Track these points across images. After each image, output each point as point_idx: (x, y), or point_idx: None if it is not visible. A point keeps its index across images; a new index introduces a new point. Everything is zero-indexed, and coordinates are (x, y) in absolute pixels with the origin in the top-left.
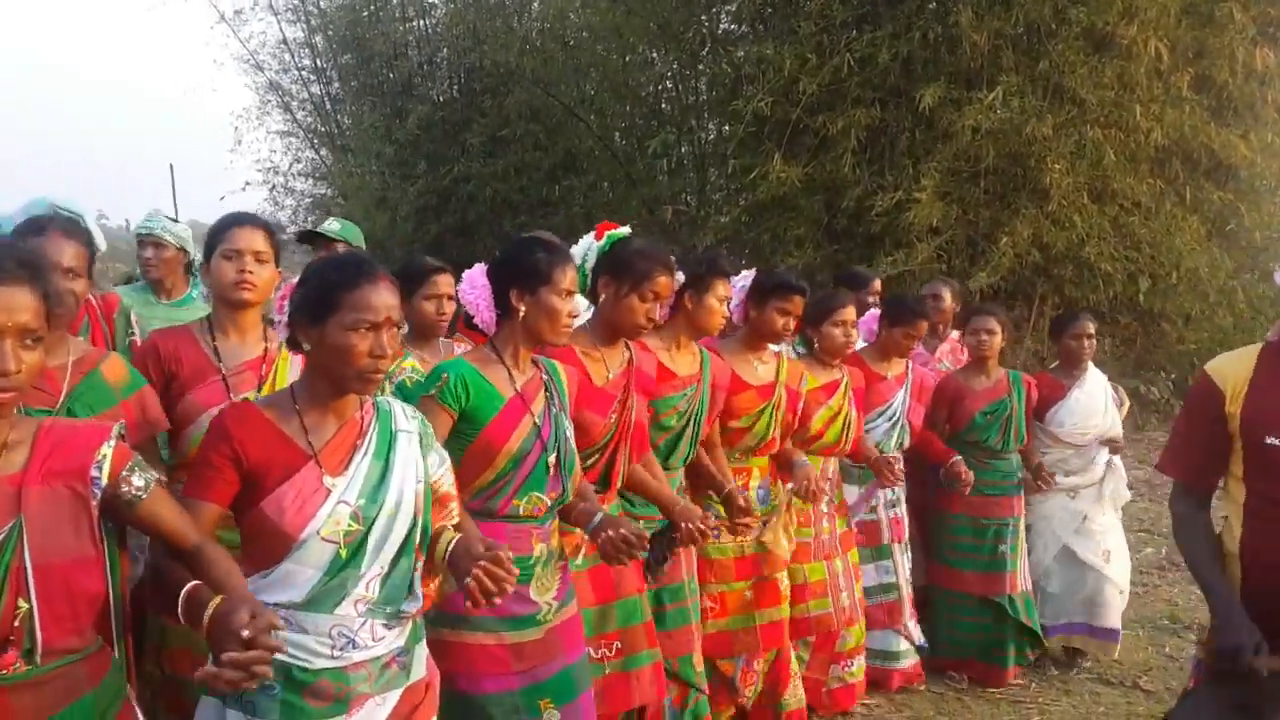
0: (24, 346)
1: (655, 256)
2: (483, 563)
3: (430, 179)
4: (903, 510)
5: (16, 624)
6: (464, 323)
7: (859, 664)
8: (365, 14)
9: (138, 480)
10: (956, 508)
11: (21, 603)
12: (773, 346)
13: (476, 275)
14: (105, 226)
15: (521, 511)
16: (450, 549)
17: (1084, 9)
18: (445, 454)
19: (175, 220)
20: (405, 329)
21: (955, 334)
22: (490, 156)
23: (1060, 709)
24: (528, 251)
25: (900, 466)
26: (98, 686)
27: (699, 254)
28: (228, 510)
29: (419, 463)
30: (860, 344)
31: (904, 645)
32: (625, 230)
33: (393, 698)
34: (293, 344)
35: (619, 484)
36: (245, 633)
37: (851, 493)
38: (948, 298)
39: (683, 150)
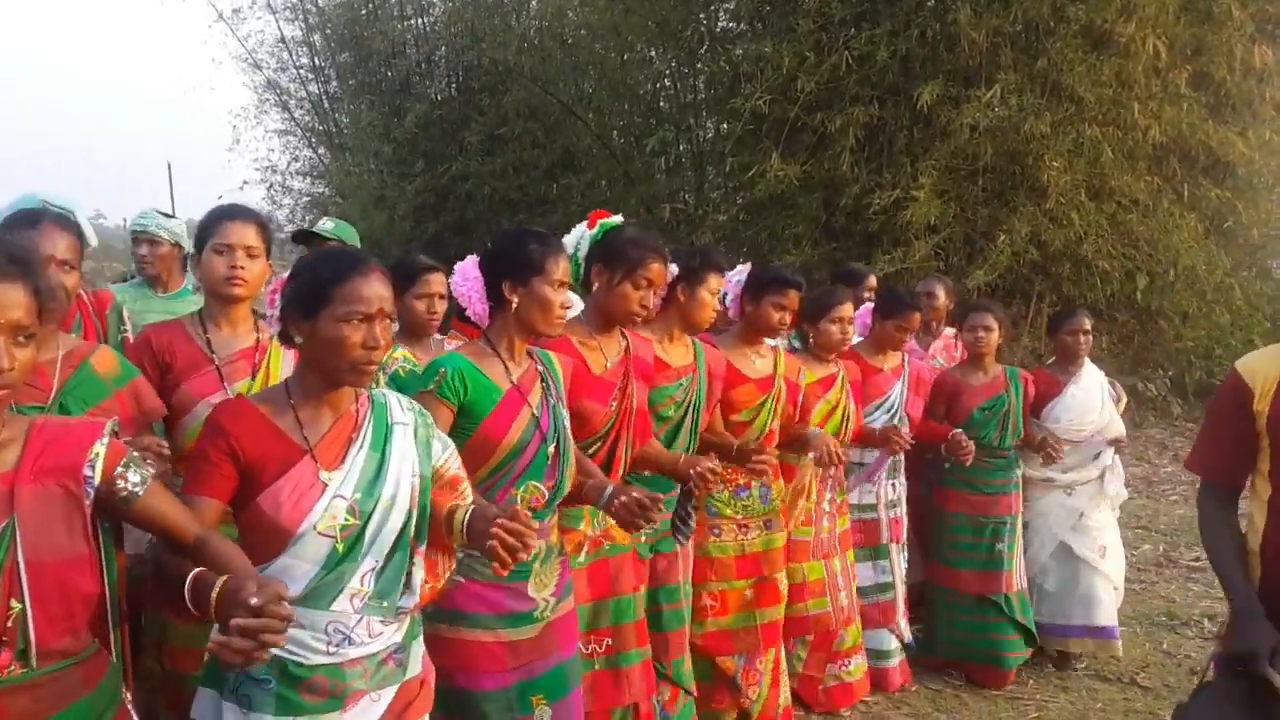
0: (16, 343)
1: (647, 244)
2: (500, 520)
3: (428, 177)
4: (903, 511)
5: (9, 624)
6: (457, 317)
7: (857, 663)
8: (363, 12)
9: (134, 476)
10: (955, 506)
11: (14, 603)
12: (769, 341)
13: (468, 267)
14: (103, 226)
15: (519, 502)
16: (467, 518)
17: (1082, 7)
18: (448, 439)
19: (169, 216)
20: (396, 327)
21: (949, 331)
22: (488, 155)
23: (1058, 705)
24: (519, 243)
25: (907, 432)
26: (94, 690)
27: (692, 248)
28: (227, 506)
29: (415, 455)
30: (855, 339)
31: (895, 644)
32: (618, 219)
33: (388, 694)
34: (285, 338)
35: (622, 472)
36: (254, 600)
37: (854, 490)
38: (941, 295)
39: (681, 148)
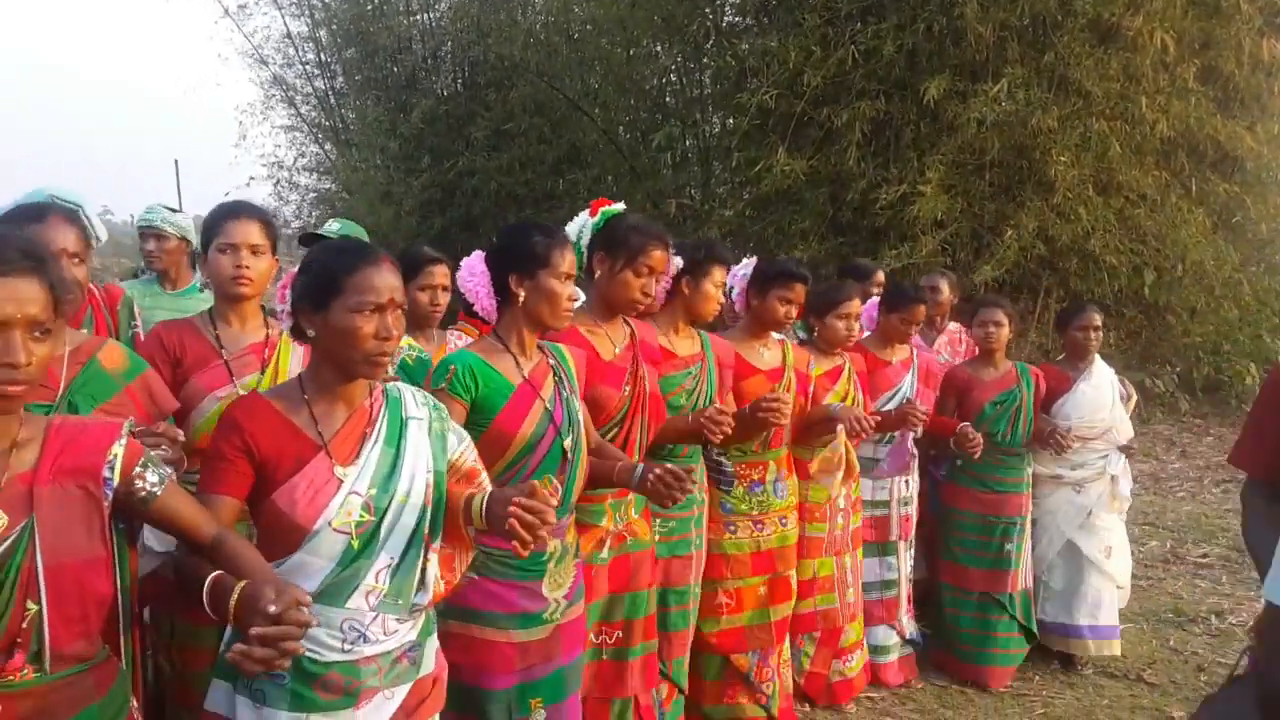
0: (33, 339)
1: (649, 231)
2: (517, 499)
3: (434, 173)
4: (914, 509)
5: (24, 626)
6: (464, 312)
7: (857, 658)
8: (369, 8)
9: (152, 476)
10: (965, 504)
11: (30, 604)
12: (775, 335)
13: (475, 263)
14: (110, 221)
15: None
16: (485, 503)
17: (1089, 0)
18: (463, 432)
19: (176, 210)
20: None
21: (953, 326)
22: (494, 150)
23: (1064, 702)
24: (525, 236)
25: (922, 408)
26: (104, 697)
27: (697, 241)
28: (244, 504)
29: (430, 451)
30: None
31: (894, 639)
32: (620, 206)
33: (401, 692)
34: (297, 333)
35: (639, 457)
36: (272, 608)
37: (865, 485)
38: (945, 290)
39: (687, 143)
